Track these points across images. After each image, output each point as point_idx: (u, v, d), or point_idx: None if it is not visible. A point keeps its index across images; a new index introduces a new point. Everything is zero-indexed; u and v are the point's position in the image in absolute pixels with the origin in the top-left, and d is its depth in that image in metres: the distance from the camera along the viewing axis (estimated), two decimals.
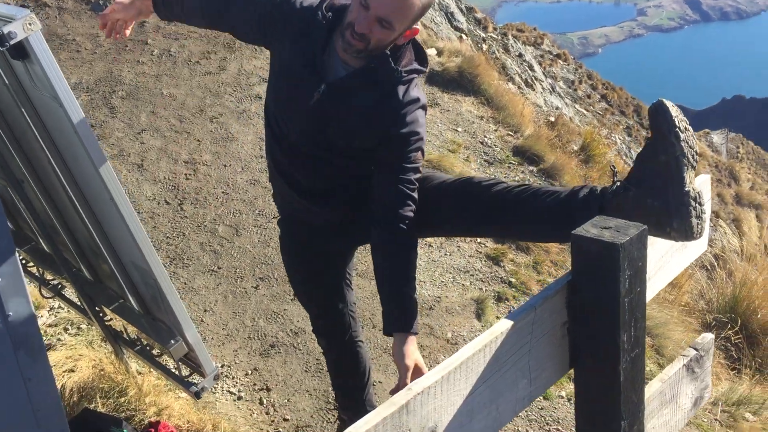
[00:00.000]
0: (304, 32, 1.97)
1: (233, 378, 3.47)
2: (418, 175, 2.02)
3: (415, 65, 2.00)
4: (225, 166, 5.04)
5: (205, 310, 3.89)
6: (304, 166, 2.12)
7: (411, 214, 2.02)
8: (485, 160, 5.68)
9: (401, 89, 1.98)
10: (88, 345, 3.17)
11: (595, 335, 1.63)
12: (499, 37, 16.90)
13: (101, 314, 2.95)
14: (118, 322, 2.96)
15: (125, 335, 2.98)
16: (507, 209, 1.99)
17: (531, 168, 5.73)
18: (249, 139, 5.33)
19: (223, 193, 4.79)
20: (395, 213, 2.00)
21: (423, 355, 3.65)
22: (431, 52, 7.13)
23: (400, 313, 2.03)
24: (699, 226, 1.74)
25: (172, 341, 2.66)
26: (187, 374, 2.79)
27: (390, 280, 2.06)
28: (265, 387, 3.42)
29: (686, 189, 1.70)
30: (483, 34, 15.53)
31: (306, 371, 3.52)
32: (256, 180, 4.92)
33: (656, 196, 1.72)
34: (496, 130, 6.10)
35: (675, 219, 1.70)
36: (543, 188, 1.99)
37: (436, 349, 3.69)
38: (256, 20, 2.06)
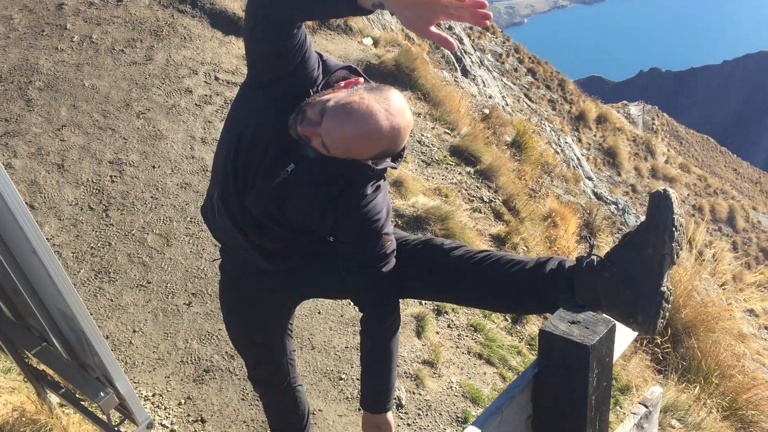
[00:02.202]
0: (296, 95, 1.79)
1: (165, 408, 3.32)
2: (389, 259, 1.91)
3: (389, 162, 1.88)
4: (154, 167, 4.78)
5: (134, 331, 3.69)
6: (256, 227, 1.98)
7: (394, 302, 1.96)
8: (423, 161, 5.60)
9: (369, 186, 1.88)
10: (7, 386, 2.94)
11: (560, 430, 1.60)
12: None
13: (22, 354, 2.75)
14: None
15: (48, 377, 2.79)
16: (469, 278, 1.93)
17: (468, 169, 5.69)
18: (179, 137, 5.06)
19: (152, 197, 4.55)
20: (379, 309, 1.95)
21: None
22: (367, 41, 6.96)
23: (376, 396, 2.00)
24: (660, 324, 1.73)
25: (102, 393, 2.50)
26: (117, 422, 2.64)
27: (370, 363, 2.04)
28: (199, 418, 3.28)
29: (661, 288, 1.69)
30: None
31: (243, 399, 3.40)
32: (188, 183, 4.69)
33: (630, 286, 1.69)
34: (433, 128, 6.02)
35: (641, 314, 1.68)
36: (506, 257, 1.93)
37: None
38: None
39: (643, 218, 1.78)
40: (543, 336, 1.51)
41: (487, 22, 1.45)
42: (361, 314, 1.99)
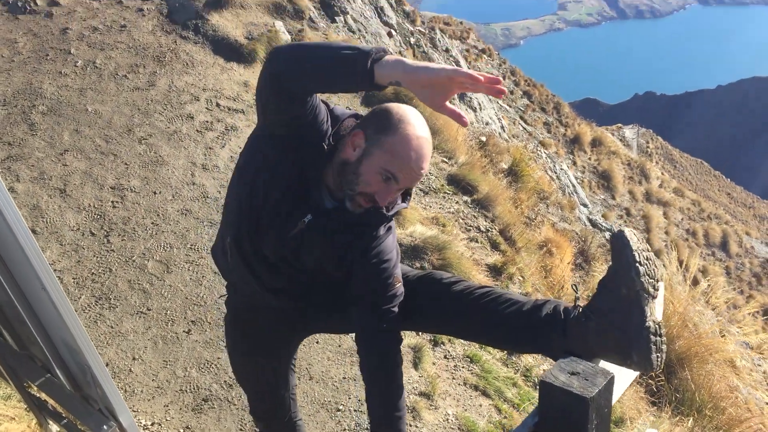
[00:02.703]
0: (308, 145, 1.85)
1: None
2: (398, 301, 1.96)
3: (401, 204, 1.95)
4: (155, 193, 4.82)
5: (134, 358, 3.72)
6: (269, 269, 2.04)
7: (398, 356, 2.00)
8: (421, 189, 5.66)
9: (383, 227, 1.95)
10: (8, 414, 2.96)
11: None
12: (427, 31, 17.01)
13: (25, 384, 2.77)
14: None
15: (50, 407, 2.81)
16: (467, 313, 1.97)
17: (466, 198, 5.75)
18: (180, 163, 5.11)
19: (152, 223, 4.59)
20: (385, 359, 1.98)
21: (360, 410, 3.63)
22: None
23: None
24: (659, 359, 1.75)
25: (105, 427, 2.52)
26: None
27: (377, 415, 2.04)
28: None
29: (646, 324, 1.71)
30: (411, 28, 15.56)
31: (241, 429, 3.42)
32: (188, 210, 4.73)
33: (617, 328, 1.72)
34: (431, 157, 6.08)
35: (635, 353, 1.71)
36: (505, 295, 1.97)
37: None
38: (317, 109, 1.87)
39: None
40: (543, 387, 1.55)
41: (503, 96, 1.52)
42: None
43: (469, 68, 17.54)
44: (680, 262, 8.86)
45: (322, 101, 1.89)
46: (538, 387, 1.55)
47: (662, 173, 26.02)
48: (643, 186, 21.49)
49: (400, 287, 1.96)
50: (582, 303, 1.89)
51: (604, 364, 1.76)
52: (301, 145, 1.84)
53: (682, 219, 21.78)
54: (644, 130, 34.31)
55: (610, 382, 1.56)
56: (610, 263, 1.79)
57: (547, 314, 1.87)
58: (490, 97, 18.85)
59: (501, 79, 1.53)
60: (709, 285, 10.07)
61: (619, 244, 1.73)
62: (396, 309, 1.95)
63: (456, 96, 12.49)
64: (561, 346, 1.80)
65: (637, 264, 1.70)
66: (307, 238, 1.92)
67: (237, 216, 1.98)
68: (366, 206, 1.84)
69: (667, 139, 38.40)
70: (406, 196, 1.97)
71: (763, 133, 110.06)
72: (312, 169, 1.86)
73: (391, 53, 1.59)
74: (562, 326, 1.82)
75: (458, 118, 1.57)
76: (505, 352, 4.32)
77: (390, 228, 1.99)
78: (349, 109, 2.01)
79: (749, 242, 23.93)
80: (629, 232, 1.75)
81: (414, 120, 1.80)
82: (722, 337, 6.21)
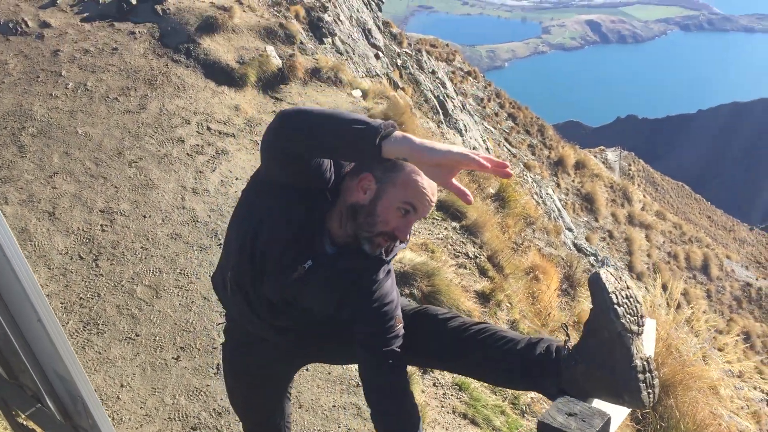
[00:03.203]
0: (311, 197, 1.88)
1: None
2: (400, 341, 1.98)
3: (399, 245, 1.98)
4: (144, 216, 4.82)
5: (122, 385, 3.69)
6: (270, 308, 2.06)
7: (405, 397, 1.99)
8: None
9: (381, 271, 1.97)
10: None
11: None
12: (413, 53, 17.18)
13: (14, 413, 2.75)
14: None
15: None
16: (462, 350, 1.99)
17: (454, 224, 5.79)
18: (170, 187, 5.11)
19: (142, 248, 4.58)
20: (392, 400, 1.97)
21: None
22: (356, 93, 7.10)
23: None
24: (651, 396, 1.78)
25: None
26: None
27: None
28: None
29: (633, 363, 1.73)
30: (398, 50, 15.71)
31: None
32: (178, 234, 4.73)
33: (605, 370, 1.74)
34: None
35: (626, 393, 1.73)
36: (500, 332, 1.99)
37: None
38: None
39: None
40: (541, 428, 1.57)
41: (511, 175, 1.56)
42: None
43: (455, 90, 17.59)
44: (663, 287, 8.94)
45: None
46: (536, 428, 1.57)
47: (644, 196, 26.29)
48: (625, 208, 21.69)
49: (401, 328, 1.98)
50: (573, 338, 1.91)
51: (598, 402, 1.78)
52: (306, 193, 1.86)
53: (663, 242, 21.98)
54: (626, 152, 34.68)
55: (607, 424, 1.59)
56: (592, 307, 1.81)
57: (541, 353, 1.89)
58: (476, 119, 18.83)
59: (508, 163, 1.57)
60: (692, 310, 10.16)
61: (595, 287, 1.75)
62: (399, 348, 1.97)
63: (440, 110, 12.54)
64: (554, 386, 1.82)
65: (615, 306, 1.72)
66: (307, 284, 1.94)
67: (238, 256, 2.00)
68: (385, 245, 1.88)
69: (648, 162, 38.81)
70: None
71: (743, 158, 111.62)
72: (316, 215, 1.89)
73: (397, 128, 1.63)
74: (555, 366, 1.84)
75: (463, 196, 1.60)
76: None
77: (389, 271, 2.01)
78: None
79: (730, 265, 24.17)
80: (604, 274, 1.76)
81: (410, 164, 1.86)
82: (706, 363, 6.27)
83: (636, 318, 1.77)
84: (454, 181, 1.59)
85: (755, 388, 9.61)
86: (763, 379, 10.27)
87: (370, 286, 1.95)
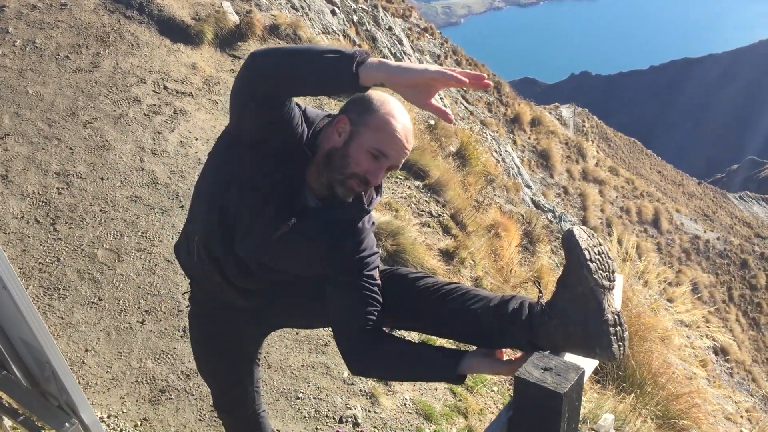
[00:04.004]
0: (290, 154, 1.85)
1: (121, 430, 3.30)
2: (377, 285, 1.98)
3: (374, 195, 1.97)
4: (102, 179, 4.70)
5: (87, 350, 3.65)
6: (241, 271, 2.03)
7: (381, 341, 1.96)
8: None
9: (367, 220, 1.97)
10: None
11: None
12: (370, 9, 16.96)
13: None
14: None
15: (5, 403, 2.75)
16: (435, 310, 1.99)
17: (417, 183, 5.81)
18: (128, 148, 4.99)
19: (101, 211, 4.48)
20: (373, 337, 1.95)
21: (319, 398, 3.66)
22: None
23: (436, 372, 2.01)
24: (621, 349, 1.82)
25: (67, 424, 2.49)
26: None
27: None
28: None
29: (605, 317, 1.76)
30: (354, 5, 15.49)
31: (200, 420, 3.41)
32: (138, 196, 4.64)
33: (577, 324, 1.77)
34: None
35: (597, 346, 1.77)
36: (472, 291, 2.00)
37: (333, 390, 3.69)
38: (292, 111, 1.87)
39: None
40: (518, 382, 1.61)
41: (490, 86, 1.56)
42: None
43: (412, 47, 17.46)
44: (618, 241, 9.15)
45: (296, 104, 1.89)
46: (513, 384, 1.61)
47: (598, 152, 26.71)
48: (580, 165, 22.02)
49: (379, 278, 1.99)
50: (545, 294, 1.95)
51: (569, 356, 1.82)
52: (279, 150, 1.83)
53: (616, 197, 22.45)
54: (580, 109, 35.06)
55: (581, 377, 1.63)
56: (565, 262, 1.84)
57: (514, 309, 1.91)
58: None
59: (484, 75, 1.57)
60: (644, 263, 10.46)
61: (569, 243, 1.77)
62: (377, 293, 1.96)
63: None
64: (528, 341, 1.85)
65: (588, 262, 1.74)
66: (292, 241, 1.92)
67: (206, 219, 1.97)
68: (358, 189, 1.85)
69: (602, 118, 39.34)
70: (378, 188, 1.99)
71: (693, 112, 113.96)
72: (295, 171, 1.87)
73: (373, 55, 1.61)
74: (528, 322, 1.87)
75: (444, 116, 1.60)
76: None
77: (373, 223, 2.01)
78: (323, 110, 2.01)
79: (679, 219, 24.87)
80: (578, 231, 1.79)
81: (394, 102, 1.86)
82: (658, 314, 6.48)
83: (608, 273, 1.81)
84: (432, 101, 1.59)
85: (704, 337, 9.98)
86: (709, 328, 10.68)
87: (357, 237, 1.94)
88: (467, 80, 1.55)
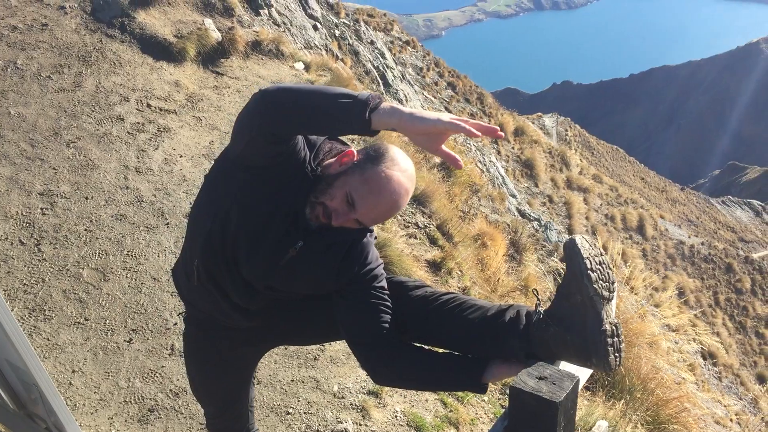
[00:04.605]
0: (292, 178, 1.85)
1: None
2: (387, 295, 1.98)
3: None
4: (86, 198, 4.68)
5: (74, 371, 3.62)
6: (246, 293, 2.02)
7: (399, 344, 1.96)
8: None
9: (369, 235, 1.98)
10: None
11: None
12: (351, 23, 17.04)
13: None
14: None
15: None
16: (432, 319, 1.98)
17: None
18: (112, 167, 4.97)
19: (86, 230, 4.46)
20: (391, 344, 1.95)
21: (310, 412, 3.65)
22: (299, 66, 7.01)
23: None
24: (617, 360, 1.83)
25: None
26: None
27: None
28: None
29: (603, 328, 1.77)
30: (336, 20, 15.56)
31: None
32: (123, 215, 4.62)
33: (575, 333, 1.78)
34: None
35: (594, 356, 1.77)
36: (469, 301, 2.00)
37: (324, 404, 3.68)
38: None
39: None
40: (513, 392, 1.61)
41: (502, 136, 1.59)
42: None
43: (394, 60, 17.52)
44: (603, 248, 9.17)
45: None
46: (509, 393, 1.61)
47: (581, 160, 26.89)
48: (564, 173, 22.16)
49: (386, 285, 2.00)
50: (543, 304, 1.95)
51: (565, 365, 1.82)
52: (281, 174, 1.83)
53: (601, 204, 22.59)
54: (563, 118, 35.36)
55: (576, 385, 1.64)
56: (565, 271, 1.85)
57: (511, 319, 1.91)
58: (416, 89, 18.81)
59: (497, 128, 1.59)
60: (630, 270, 10.54)
61: (570, 252, 1.78)
62: (389, 301, 1.96)
63: (380, 83, 12.50)
64: (523, 350, 1.86)
65: (589, 271, 1.75)
66: (301, 263, 1.91)
67: (206, 242, 1.95)
68: (321, 220, 1.85)
69: (584, 126, 39.67)
70: None
71: (674, 119, 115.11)
72: (297, 195, 1.86)
73: (386, 99, 1.62)
74: (525, 332, 1.87)
75: (454, 162, 1.62)
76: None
77: (375, 236, 2.02)
78: None
79: (663, 225, 25.04)
80: (580, 240, 1.80)
81: (405, 168, 1.82)
82: (645, 320, 6.52)
83: (608, 284, 1.81)
84: (443, 147, 1.60)
85: (693, 341, 10.04)
86: (696, 331, 10.76)
87: (362, 252, 1.95)
88: (479, 133, 1.57)
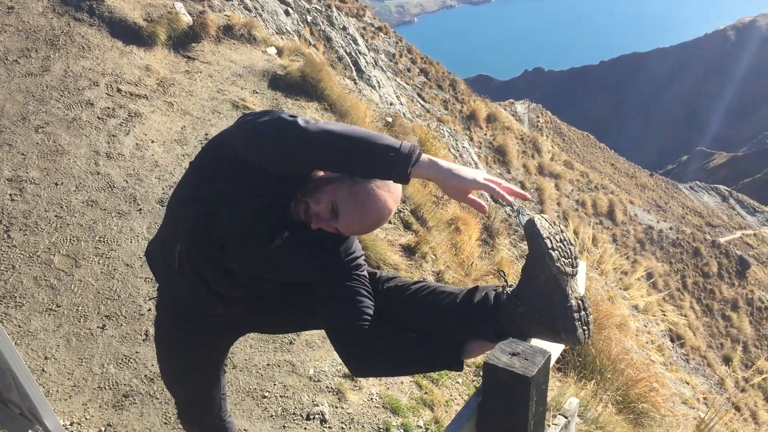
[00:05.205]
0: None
1: None
2: (368, 283, 2.00)
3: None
4: (56, 184, 4.62)
5: (46, 358, 3.59)
6: (228, 281, 2.02)
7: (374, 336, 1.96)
8: None
9: None
10: None
11: None
12: (323, 9, 16.93)
13: None
14: None
15: None
16: (404, 308, 2.02)
17: None
18: (82, 152, 4.91)
19: (56, 216, 4.40)
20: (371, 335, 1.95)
21: (286, 396, 3.67)
22: (271, 51, 6.96)
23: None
24: (586, 333, 1.87)
25: (30, 431, 2.46)
26: None
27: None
28: None
29: (569, 303, 1.81)
30: (307, 5, 15.46)
31: (166, 423, 3.38)
32: (94, 201, 4.57)
33: (542, 311, 1.81)
34: None
35: (563, 332, 1.81)
36: (438, 288, 2.03)
37: (300, 388, 3.70)
38: None
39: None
40: (487, 368, 1.64)
41: (529, 198, 1.72)
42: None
43: (367, 46, 17.45)
44: (575, 233, 9.30)
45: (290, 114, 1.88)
46: (482, 369, 1.64)
47: (553, 146, 27.09)
48: (535, 159, 22.33)
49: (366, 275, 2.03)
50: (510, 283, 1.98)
51: (536, 341, 1.86)
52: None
53: (572, 190, 22.83)
54: (534, 105, 35.59)
55: (548, 360, 1.67)
56: (528, 252, 1.88)
57: (479, 301, 1.94)
58: (389, 75, 18.78)
59: (527, 194, 1.70)
60: (600, 253, 10.69)
61: (530, 233, 1.81)
62: (369, 287, 1.99)
63: (353, 69, 12.44)
64: (493, 330, 1.89)
65: (550, 250, 1.78)
66: (286, 253, 1.92)
67: (188, 231, 1.93)
68: (302, 217, 1.86)
69: (555, 113, 39.97)
70: None
71: (643, 105, 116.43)
72: (287, 190, 1.87)
73: (421, 150, 1.67)
74: (494, 312, 1.91)
75: (481, 208, 1.71)
76: None
77: None
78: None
79: (633, 210, 25.38)
80: (539, 220, 1.82)
81: (393, 189, 1.83)
82: (614, 303, 6.64)
83: (570, 260, 1.85)
84: (470, 196, 1.69)
85: (661, 322, 10.23)
86: (663, 311, 10.98)
87: (346, 242, 1.98)
88: (511, 199, 1.69)
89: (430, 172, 1.64)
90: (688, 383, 10.38)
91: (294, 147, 1.69)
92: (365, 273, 2.00)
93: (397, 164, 1.62)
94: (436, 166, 1.65)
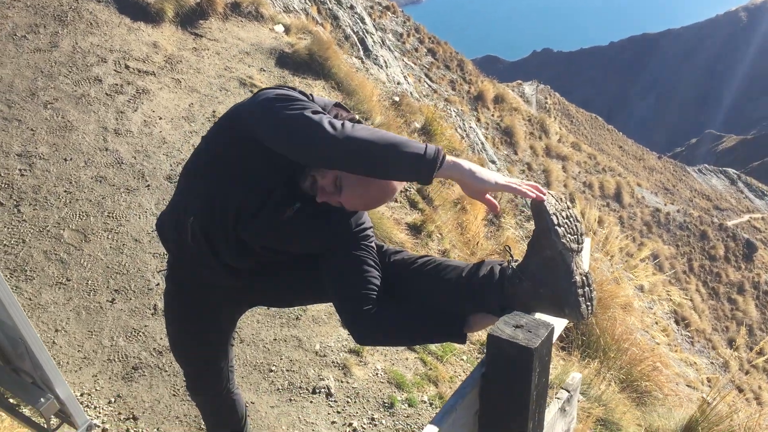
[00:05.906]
0: None
1: (95, 408, 3.31)
2: (375, 255, 2.04)
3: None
4: (65, 160, 4.65)
5: (57, 330, 3.64)
6: (239, 252, 2.04)
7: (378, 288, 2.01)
8: None
9: None
10: None
11: (505, 423, 1.77)
12: None
13: None
14: None
15: None
16: (410, 280, 2.04)
17: None
18: (90, 128, 4.94)
19: (65, 191, 4.44)
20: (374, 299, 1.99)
21: (292, 370, 3.71)
22: (279, 29, 6.95)
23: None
24: (589, 309, 1.89)
25: (42, 399, 2.50)
26: (55, 426, 2.64)
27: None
28: (131, 416, 3.30)
29: (573, 279, 1.83)
30: None
31: (174, 395, 3.44)
32: (103, 176, 4.60)
33: (547, 286, 1.83)
34: None
35: (566, 307, 1.83)
36: (444, 262, 2.05)
37: (306, 363, 3.74)
38: None
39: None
40: (491, 339, 1.67)
41: (543, 197, 1.73)
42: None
43: (374, 26, 17.33)
44: (581, 215, 9.29)
45: (301, 92, 1.88)
46: (486, 341, 1.67)
47: (560, 128, 27.00)
48: (543, 141, 22.26)
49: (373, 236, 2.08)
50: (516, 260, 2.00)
51: (540, 315, 1.88)
52: None
53: (579, 172, 22.77)
54: (542, 86, 35.38)
55: (551, 333, 1.70)
56: (534, 227, 1.90)
57: (485, 275, 1.97)
58: (396, 54, 18.68)
59: (544, 190, 1.75)
60: (606, 235, 10.67)
61: (537, 209, 1.81)
62: (378, 266, 2.03)
63: (360, 48, 12.39)
64: (498, 303, 1.91)
65: (556, 227, 1.79)
66: (297, 224, 1.95)
67: (205, 202, 1.97)
68: (309, 189, 1.89)
69: (564, 94, 39.74)
70: None
71: (653, 87, 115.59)
72: (299, 165, 1.89)
73: (445, 153, 1.70)
74: (499, 286, 1.93)
75: (495, 209, 1.77)
76: None
77: None
78: (329, 100, 2.03)
79: (640, 193, 25.32)
80: (547, 197, 1.83)
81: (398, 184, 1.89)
82: (619, 283, 6.65)
83: (576, 236, 1.86)
84: (487, 196, 1.73)
85: (665, 302, 10.24)
86: (669, 292, 10.98)
87: (356, 215, 2.02)
88: (534, 195, 1.73)
89: (454, 174, 1.68)
90: (693, 364, 10.42)
91: (321, 153, 1.70)
92: (373, 244, 2.03)
93: (423, 171, 1.66)
94: (459, 168, 1.68)
